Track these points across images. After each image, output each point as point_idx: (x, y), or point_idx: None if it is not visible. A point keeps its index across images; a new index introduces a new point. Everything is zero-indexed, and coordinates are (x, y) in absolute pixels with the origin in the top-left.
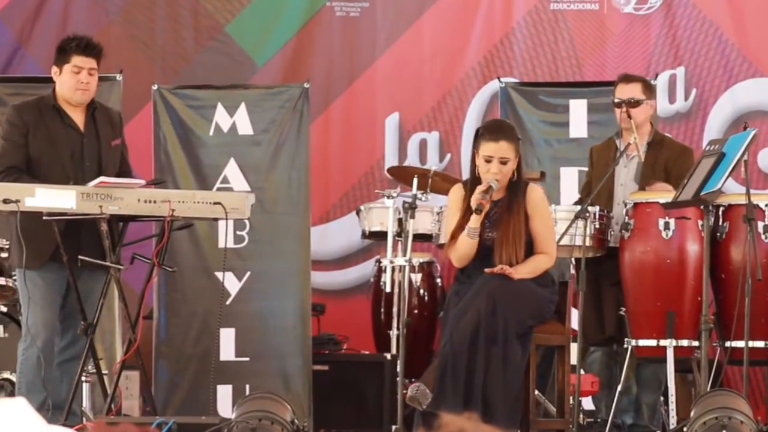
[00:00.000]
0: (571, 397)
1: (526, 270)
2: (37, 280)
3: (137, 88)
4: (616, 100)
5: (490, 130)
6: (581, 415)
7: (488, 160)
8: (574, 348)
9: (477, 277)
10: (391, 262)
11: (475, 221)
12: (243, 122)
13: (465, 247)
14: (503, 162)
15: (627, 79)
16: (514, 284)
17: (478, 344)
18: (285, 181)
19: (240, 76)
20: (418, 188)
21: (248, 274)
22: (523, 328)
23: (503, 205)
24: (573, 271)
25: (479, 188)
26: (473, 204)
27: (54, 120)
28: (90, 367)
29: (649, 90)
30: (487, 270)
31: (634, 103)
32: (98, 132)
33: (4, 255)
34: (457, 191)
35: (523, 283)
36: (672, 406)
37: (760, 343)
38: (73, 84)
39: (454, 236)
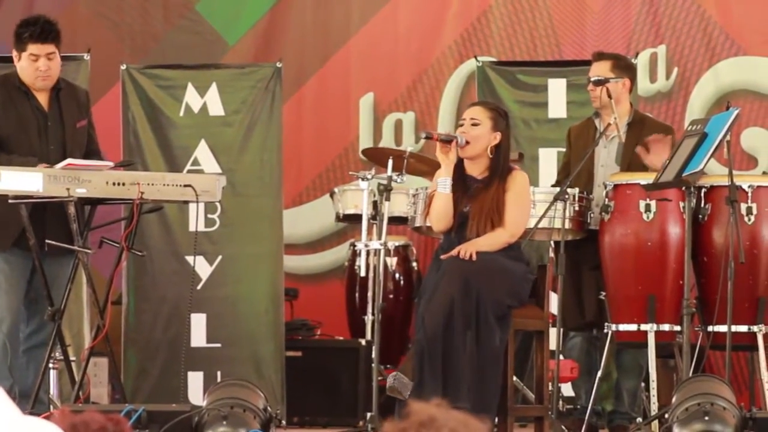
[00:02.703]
0: (549, 384)
1: (483, 243)
2: (2, 265)
3: (105, 67)
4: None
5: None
6: (560, 402)
7: (461, 125)
8: (552, 333)
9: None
10: (366, 245)
11: (445, 171)
12: (214, 103)
13: (437, 203)
14: (474, 123)
15: (596, 57)
16: (485, 262)
17: (452, 327)
18: (257, 163)
19: (211, 55)
20: (394, 170)
21: (219, 258)
22: (501, 310)
23: (484, 182)
24: (552, 255)
25: None
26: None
27: (21, 99)
28: (57, 353)
29: (621, 68)
30: (442, 256)
31: (600, 82)
32: (62, 114)
33: None
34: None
35: (494, 260)
36: (653, 392)
37: (743, 328)
38: (32, 72)
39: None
